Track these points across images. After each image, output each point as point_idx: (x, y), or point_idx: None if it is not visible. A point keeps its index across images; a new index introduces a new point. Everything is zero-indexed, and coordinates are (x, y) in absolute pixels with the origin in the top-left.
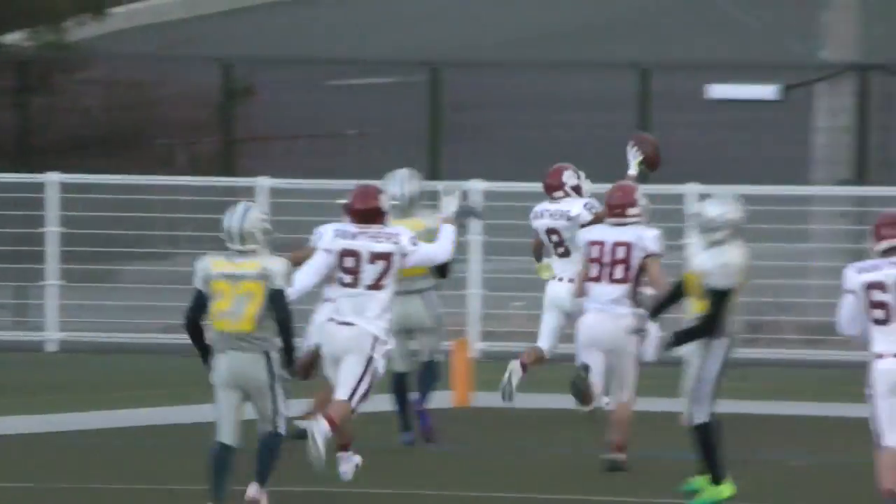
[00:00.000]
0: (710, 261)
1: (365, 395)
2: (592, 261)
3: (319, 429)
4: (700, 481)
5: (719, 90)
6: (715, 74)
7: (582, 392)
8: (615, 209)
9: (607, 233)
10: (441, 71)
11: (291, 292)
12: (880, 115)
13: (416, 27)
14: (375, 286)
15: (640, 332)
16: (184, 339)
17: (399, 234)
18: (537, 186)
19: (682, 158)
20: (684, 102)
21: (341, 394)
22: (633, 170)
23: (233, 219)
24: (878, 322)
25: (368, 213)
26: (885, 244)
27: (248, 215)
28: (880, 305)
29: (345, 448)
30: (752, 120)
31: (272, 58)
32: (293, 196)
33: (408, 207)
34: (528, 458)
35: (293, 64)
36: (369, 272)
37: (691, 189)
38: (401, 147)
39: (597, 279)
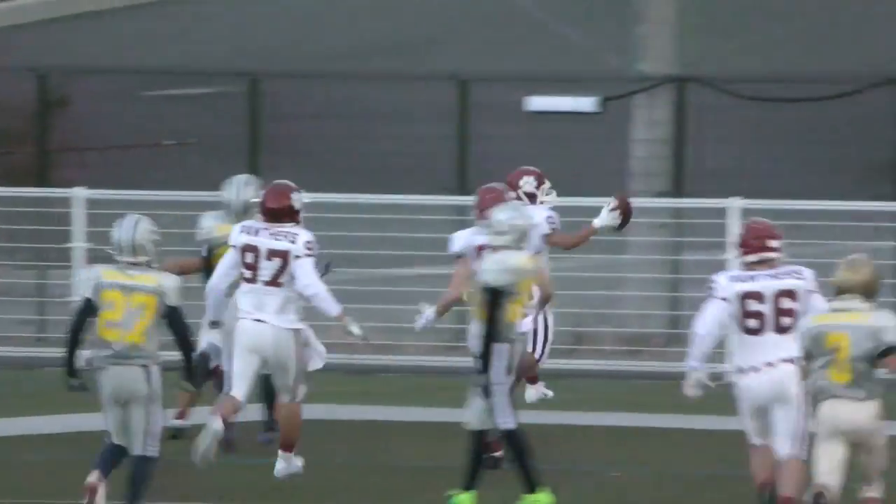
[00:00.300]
0: (489, 261)
1: (304, 382)
2: None
3: (288, 468)
4: (463, 497)
5: (538, 102)
6: (534, 87)
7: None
8: (487, 213)
9: None
10: (260, 81)
11: (209, 291)
12: (696, 127)
13: (236, 37)
14: (273, 283)
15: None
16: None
17: (298, 235)
18: (357, 198)
19: (502, 170)
20: (504, 114)
21: (284, 398)
22: (598, 224)
23: (122, 231)
24: (751, 332)
25: (279, 212)
26: (753, 257)
27: (139, 227)
28: (755, 315)
29: (288, 448)
30: (571, 132)
31: (88, 68)
32: (109, 207)
33: (242, 214)
34: (353, 468)
35: (110, 74)
36: (267, 268)
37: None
38: (220, 157)
39: None
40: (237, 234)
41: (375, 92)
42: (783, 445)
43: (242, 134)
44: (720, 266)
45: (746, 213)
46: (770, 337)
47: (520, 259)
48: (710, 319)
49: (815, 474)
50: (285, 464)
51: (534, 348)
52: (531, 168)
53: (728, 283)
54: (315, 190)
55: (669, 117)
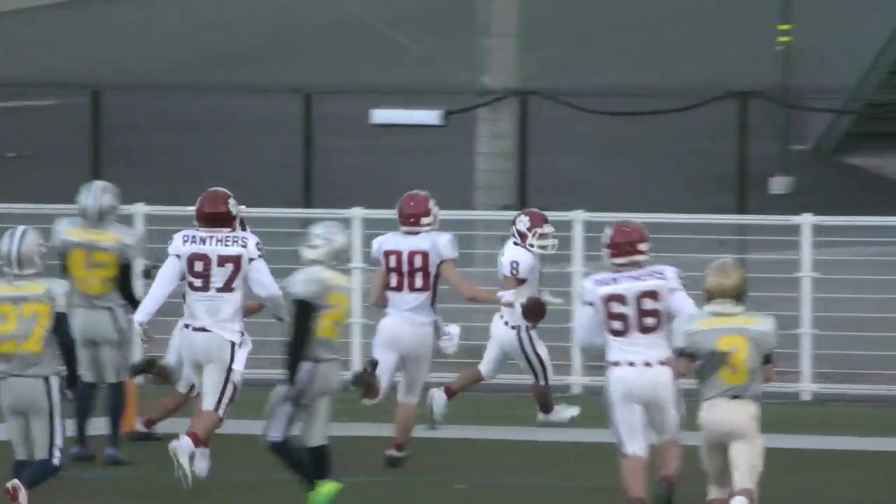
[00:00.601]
0: (299, 273)
1: (231, 400)
2: (391, 271)
3: (182, 447)
4: (320, 491)
5: (383, 115)
6: (379, 99)
7: (367, 384)
8: (409, 218)
9: (402, 242)
10: (102, 94)
11: (147, 303)
12: (540, 140)
13: (77, 49)
14: (226, 289)
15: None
16: None
17: (247, 238)
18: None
19: (347, 183)
20: (349, 127)
21: (208, 404)
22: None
23: (11, 244)
24: (616, 333)
25: (216, 217)
26: (622, 259)
27: (25, 240)
28: (619, 317)
29: (194, 439)
30: (416, 145)
31: None
32: None
33: (98, 220)
34: (197, 483)
35: None
36: (219, 275)
37: (356, 213)
38: (63, 169)
39: (397, 289)
40: (179, 244)
41: (219, 104)
42: (660, 437)
43: (85, 146)
44: (566, 278)
45: (589, 226)
46: (636, 337)
47: (329, 275)
48: (586, 328)
49: (710, 482)
50: (181, 445)
51: (535, 375)
52: (534, 210)
53: (592, 287)
54: (158, 202)
55: (513, 130)
